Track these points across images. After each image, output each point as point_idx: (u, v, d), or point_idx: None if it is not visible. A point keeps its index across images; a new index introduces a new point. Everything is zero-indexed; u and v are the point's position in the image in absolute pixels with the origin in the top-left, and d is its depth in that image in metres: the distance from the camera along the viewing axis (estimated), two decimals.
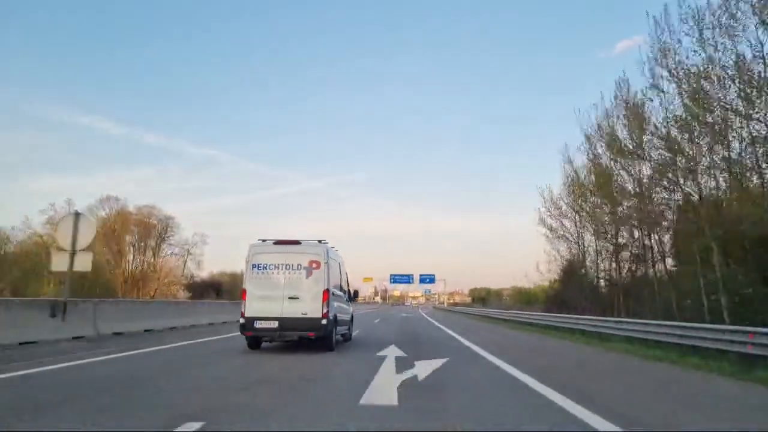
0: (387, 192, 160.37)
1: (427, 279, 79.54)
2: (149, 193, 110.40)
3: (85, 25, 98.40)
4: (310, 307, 9.49)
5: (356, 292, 13.43)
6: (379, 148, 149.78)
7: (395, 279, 79.06)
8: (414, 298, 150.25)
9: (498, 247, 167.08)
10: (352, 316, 13.10)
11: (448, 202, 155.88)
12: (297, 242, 10.08)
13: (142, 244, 56.78)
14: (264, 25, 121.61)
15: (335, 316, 10.13)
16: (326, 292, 9.60)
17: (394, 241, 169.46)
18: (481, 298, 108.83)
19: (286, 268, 9.70)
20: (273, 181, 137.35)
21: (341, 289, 11.41)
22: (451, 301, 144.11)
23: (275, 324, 9.34)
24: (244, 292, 9.70)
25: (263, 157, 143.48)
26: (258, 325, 9.38)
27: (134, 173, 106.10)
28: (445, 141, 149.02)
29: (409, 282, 79.46)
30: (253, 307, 9.50)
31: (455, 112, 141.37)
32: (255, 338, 9.83)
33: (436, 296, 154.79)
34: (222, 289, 57.31)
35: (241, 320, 9.53)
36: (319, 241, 10.23)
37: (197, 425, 3.90)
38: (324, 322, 9.43)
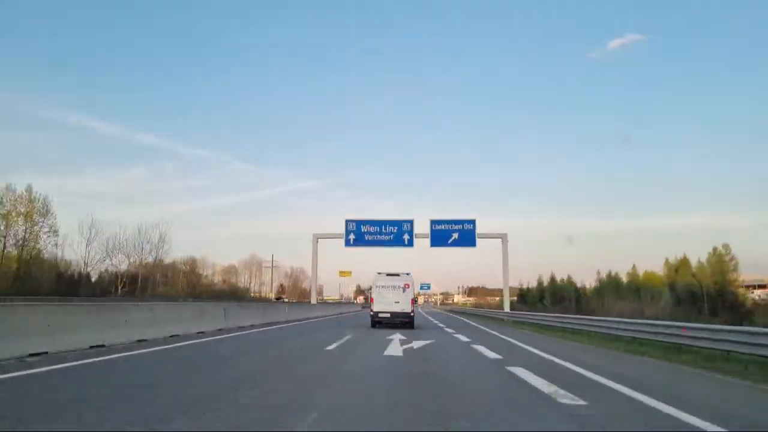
0: (380, 192, 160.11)
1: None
2: (141, 192, 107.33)
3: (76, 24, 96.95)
4: (405, 307, 19.26)
5: (416, 299, 22.46)
6: (372, 148, 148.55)
7: None
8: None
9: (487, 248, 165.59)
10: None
11: (439, 202, 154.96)
12: (398, 274, 19.79)
13: None
14: (255, 26, 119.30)
15: (414, 312, 19.92)
16: (413, 300, 19.72)
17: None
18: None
19: (392, 287, 19.49)
20: (265, 181, 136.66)
21: (414, 297, 20.70)
22: (450, 300, 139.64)
23: (389, 315, 19.09)
24: (372, 299, 19.84)
25: (254, 157, 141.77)
26: (380, 315, 19.23)
27: (126, 173, 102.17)
28: (436, 142, 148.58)
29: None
30: (377, 306, 19.34)
31: (444, 112, 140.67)
32: (376, 321, 19.25)
33: (424, 297, 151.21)
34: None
35: (371, 312, 19.52)
36: (407, 274, 19.89)
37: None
38: (412, 314, 19.37)
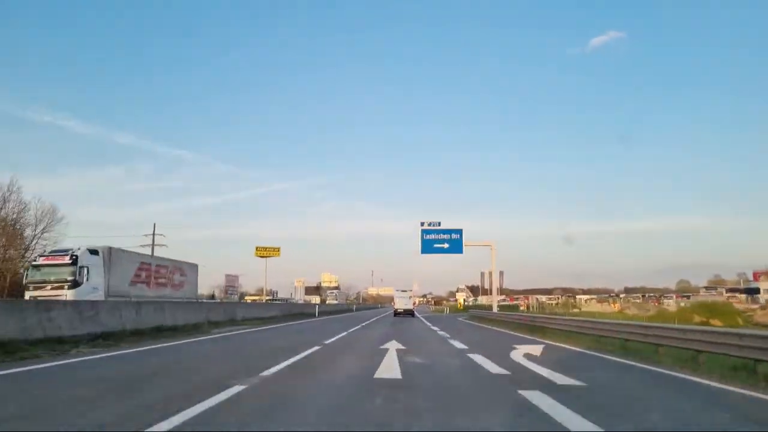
0: (359, 194, 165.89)
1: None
2: (118, 193, 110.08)
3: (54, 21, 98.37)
4: (410, 306, 46.05)
5: (416, 302, 60.58)
6: (354, 150, 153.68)
7: None
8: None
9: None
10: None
11: (419, 205, 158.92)
12: (405, 290, 46.95)
13: None
14: (238, 26, 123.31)
15: (414, 310, 49.63)
16: (414, 303, 54.85)
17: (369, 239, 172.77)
18: None
19: (404, 297, 45.58)
20: (245, 181, 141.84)
21: (415, 302, 59.29)
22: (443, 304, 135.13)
23: (402, 310, 43.59)
24: (394, 302, 48.38)
25: (235, 158, 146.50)
26: (398, 310, 43.97)
27: (102, 173, 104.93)
28: (423, 145, 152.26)
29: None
30: (397, 305, 45.24)
31: (431, 114, 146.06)
32: (396, 313, 43.32)
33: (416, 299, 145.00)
34: None
35: (393, 310, 47.44)
36: (410, 290, 50.20)
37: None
38: (414, 310, 48.72)
